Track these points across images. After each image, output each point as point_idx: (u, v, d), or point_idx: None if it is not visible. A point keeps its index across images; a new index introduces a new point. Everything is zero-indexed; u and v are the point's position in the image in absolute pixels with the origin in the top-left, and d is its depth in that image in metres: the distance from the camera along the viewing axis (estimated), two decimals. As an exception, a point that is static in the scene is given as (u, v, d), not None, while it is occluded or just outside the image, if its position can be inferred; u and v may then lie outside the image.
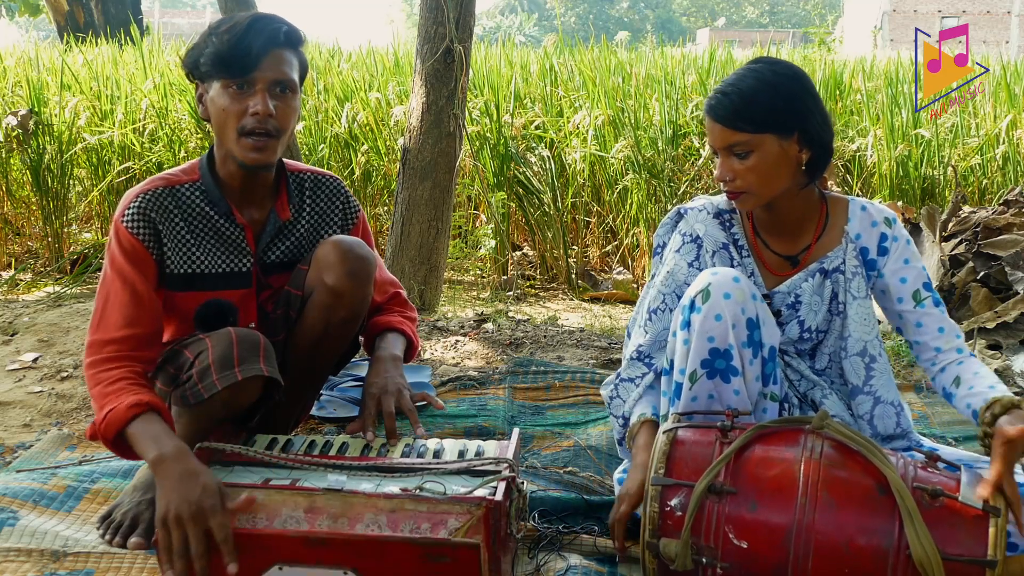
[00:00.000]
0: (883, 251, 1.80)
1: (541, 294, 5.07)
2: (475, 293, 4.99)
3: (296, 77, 1.81)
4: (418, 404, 1.89)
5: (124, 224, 1.80)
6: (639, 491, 1.62)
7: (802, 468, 1.45)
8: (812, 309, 1.81)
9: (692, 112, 5.54)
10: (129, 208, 1.81)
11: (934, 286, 1.81)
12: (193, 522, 1.47)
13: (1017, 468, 1.62)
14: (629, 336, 1.92)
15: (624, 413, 1.85)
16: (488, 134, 5.16)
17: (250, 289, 1.91)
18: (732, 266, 1.82)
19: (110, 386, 1.69)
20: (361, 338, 2.11)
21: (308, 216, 1.98)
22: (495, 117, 5.18)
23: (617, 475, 1.91)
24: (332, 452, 1.70)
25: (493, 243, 5.07)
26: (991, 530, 1.37)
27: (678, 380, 1.70)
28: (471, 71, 4.18)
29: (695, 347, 1.66)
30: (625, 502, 1.64)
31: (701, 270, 1.82)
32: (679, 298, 1.81)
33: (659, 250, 1.92)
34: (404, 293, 2.15)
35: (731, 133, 1.68)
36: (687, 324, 1.67)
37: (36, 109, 5.04)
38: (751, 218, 1.85)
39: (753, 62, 1.77)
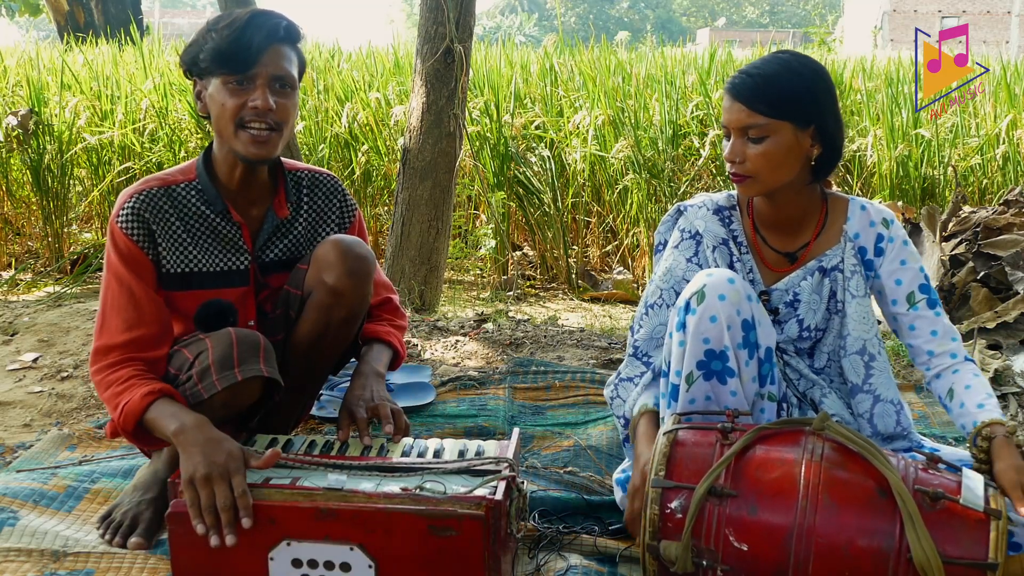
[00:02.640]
0: (879, 252, 1.80)
1: (541, 294, 5.07)
2: (475, 293, 4.99)
3: (295, 73, 1.82)
4: (405, 407, 1.88)
5: (119, 225, 1.81)
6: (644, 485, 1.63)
7: (803, 470, 1.45)
8: (811, 308, 1.81)
9: (692, 112, 5.55)
10: (123, 209, 1.81)
11: (934, 286, 1.81)
12: (220, 480, 1.52)
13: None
14: (633, 334, 1.93)
15: (624, 413, 1.86)
16: (488, 134, 5.16)
17: (248, 287, 1.90)
18: (731, 262, 1.82)
19: (121, 385, 1.71)
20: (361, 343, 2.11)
21: (306, 215, 1.98)
22: (495, 117, 5.18)
23: (617, 475, 1.91)
24: (332, 452, 1.70)
25: (493, 243, 5.07)
26: (992, 533, 1.36)
27: (675, 382, 1.70)
28: (471, 71, 4.18)
29: (691, 349, 1.66)
30: (637, 498, 1.63)
31: (700, 266, 1.82)
32: (677, 294, 1.81)
33: (660, 247, 1.93)
34: (396, 299, 2.14)
35: (749, 114, 1.68)
36: (683, 326, 1.67)
37: (36, 109, 5.04)
38: (751, 214, 1.85)
39: (779, 52, 1.78)
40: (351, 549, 1.50)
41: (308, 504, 1.50)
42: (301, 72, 1.87)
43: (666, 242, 1.91)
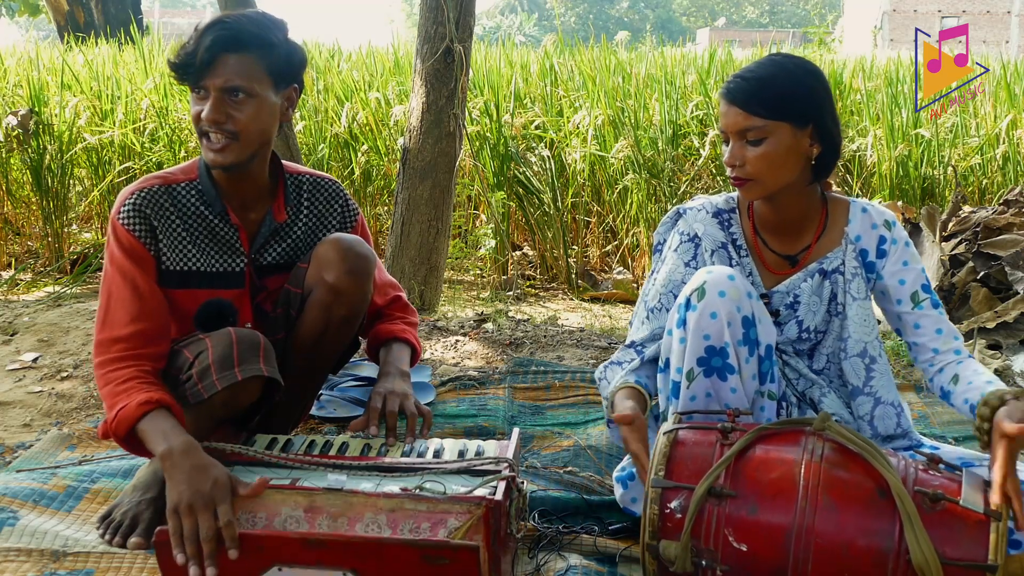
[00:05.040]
0: (882, 253, 1.80)
1: (541, 294, 5.07)
2: (475, 293, 4.99)
3: (254, 81, 1.76)
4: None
5: (120, 221, 1.81)
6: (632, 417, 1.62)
7: (803, 471, 1.45)
8: (811, 309, 1.81)
9: (692, 112, 5.55)
10: (124, 205, 1.82)
11: (934, 286, 1.81)
12: (205, 510, 1.50)
13: (1020, 466, 1.62)
14: (631, 334, 1.92)
15: (608, 395, 1.85)
16: (488, 134, 5.16)
17: (243, 290, 1.91)
18: (731, 265, 1.82)
19: (120, 385, 1.71)
20: (363, 340, 2.11)
21: (305, 218, 1.98)
22: (495, 117, 5.18)
23: (617, 473, 1.91)
24: (332, 452, 1.70)
25: (493, 243, 5.07)
26: (992, 535, 1.36)
27: (675, 379, 1.70)
28: (471, 71, 4.18)
29: (691, 345, 1.66)
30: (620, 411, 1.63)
31: (698, 269, 1.82)
32: (676, 297, 1.81)
33: (659, 248, 1.93)
34: (404, 296, 2.15)
35: (746, 117, 1.68)
36: (683, 322, 1.67)
37: (36, 109, 5.03)
38: (751, 217, 1.85)
39: (772, 55, 1.78)
40: (344, 574, 1.47)
41: (295, 535, 1.47)
42: (281, 74, 1.81)
43: (664, 243, 1.91)
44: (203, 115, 1.76)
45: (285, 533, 1.48)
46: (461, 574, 1.45)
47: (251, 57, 1.77)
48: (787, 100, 1.68)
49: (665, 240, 1.91)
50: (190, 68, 1.75)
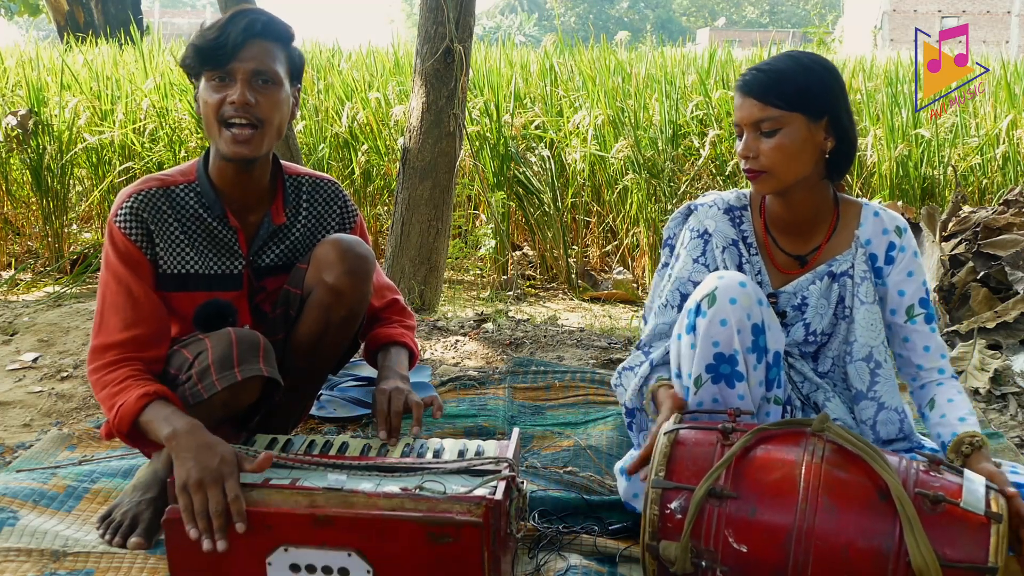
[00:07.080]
0: (890, 260, 1.80)
1: (541, 294, 5.07)
2: (475, 293, 4.99)
3: (280, 70, 1.80)
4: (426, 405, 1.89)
5: (117, 224, 1.81)
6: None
7: (803, 472, 1.44)
8: (818, 312, 1.80)
9: (692, 112, 5.55)
10: (122, 209, 1.81)
11: (933, 286, 1.81)
12: (213, 485, 1.52)
13: (1017, 468, 1.62)
14: (642, 330, 1.93)
15: (625, 402, 1.86)
16: (488, 134, 5.17)
17: (241, 291, 1.91)
18: (740, 263, 1.82)
19: (117, 385, 1.71)
20: (361, 342, 2.11)
21: (304, 220, 1.97)
22: (495, 117, 5.18)
23: (618, 466, 1.91)
24: (332, 452, 1.70)
25: (493, 243, 5.07)
26: (992, 537, 1.36)
27: (685, 384, 1.69)
28: (471, 71, 4.18)
29: (700, 352, 1.65)
30: (651, 439, 1.60)
31: (707, 266, 1.82)
32: (682, 295, 1.81)
33: (668, 243, 1.92)
34: (402, 299, 2.14)
35: (761, 108, 1.68)
36: (692, 328, 1.66)
37: (36, 109, 5.04)
38: (763, 215, 1.84)
39: (789, 51, 1.80)
40: (349, 555, 1.49)
41: (305, 511, 1.49)
42: (295, 70, 1.85)
43: (674, 237, 1.91)
44: (231, 99, 1.74)
45: (293, 510, 1.50)
46: (464, 553, 1.46)
47: (277, 46, 1.80)
48: (802, 92, 1.69)
49: (675, 235, 1.91)
50: (220, 50, 1.74)
